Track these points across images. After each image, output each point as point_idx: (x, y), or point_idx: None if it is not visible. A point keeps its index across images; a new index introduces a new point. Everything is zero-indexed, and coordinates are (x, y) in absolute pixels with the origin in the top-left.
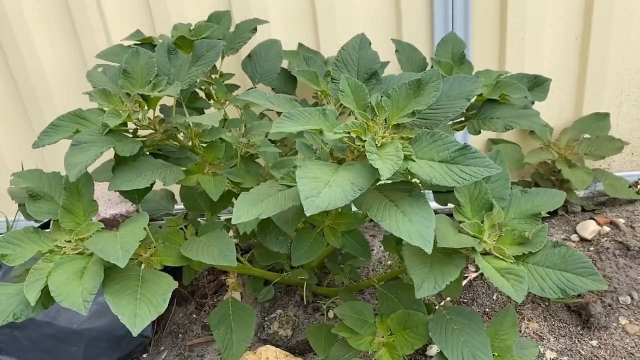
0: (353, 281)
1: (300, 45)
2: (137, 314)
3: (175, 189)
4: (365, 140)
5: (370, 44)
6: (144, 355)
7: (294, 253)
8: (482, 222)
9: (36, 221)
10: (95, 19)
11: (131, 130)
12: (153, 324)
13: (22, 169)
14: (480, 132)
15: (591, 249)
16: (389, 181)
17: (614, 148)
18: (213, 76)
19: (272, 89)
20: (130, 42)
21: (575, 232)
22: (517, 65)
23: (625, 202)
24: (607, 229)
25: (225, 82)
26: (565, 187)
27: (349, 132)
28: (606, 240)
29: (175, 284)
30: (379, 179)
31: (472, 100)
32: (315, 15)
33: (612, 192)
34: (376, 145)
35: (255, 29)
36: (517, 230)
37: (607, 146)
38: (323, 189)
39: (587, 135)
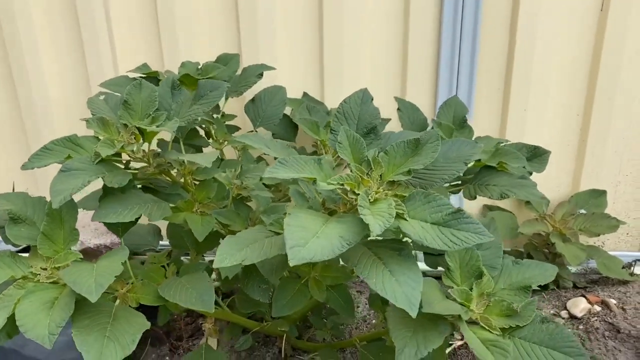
0: (335, 338)
1: (305, 94)
2: (102, 353)
3: (162, 225)
4: (359, 194)
5: (372, 99)
6: None
7: (275, 303)
8: (471, 289)
9: (14, 246)
10: (105, 49)
11: (124, 162)
12: None
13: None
14: (475, 197)
15: (580, 327)
16: (379, 237)
17: (609, 226)
18: (215, 116)
19: (273, 134)
20: (136, 75)
21: (565, 309)
22: (518, 135)
23: (618, 283)
24: (597, 308)
25: (227, 123)
26: (557, 261)
27: (342, 184)
28: (596, 320)
29: (147, 325)
30: (368, 235)
31: (470, 164)
32: (322, 66)
33: (604, 271)
34: (369, 200)
35: (262, 74)
36: (505, 302)
37: (602, 224)
38: (310, 239)
39: (583, 211)
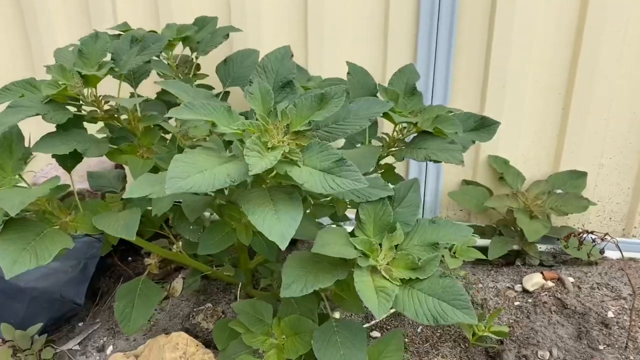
0: (278, 287)
1: None
2: (17, 261)
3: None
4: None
5: (292, 56)
6: (80, 324)
7: (202, 242)
8: (382, 242)
9: None
10: (108, 12)
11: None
12: (88, 294)
13: None
14: (403, 159)
15: (529, 300)
16: (283, 184)
17: (579, 207)
18: (190, 75)
19: None
20: (116, 32)
21: (521, 283)
22: (497, 111)
23: (585, 264)
24: (551, 284)
25: (200, 82)
26: (525, 238)
27: (244, 130)
28: (546, 295)
29: (70, 244)
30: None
31: (413, 130)
32: (306, 36)
33: (571, 252)
34: (267, 146)
35: (228, 35)
36: (411, 256)
37: (573, 204)
38: (194, 174)
39: (559, 191)
